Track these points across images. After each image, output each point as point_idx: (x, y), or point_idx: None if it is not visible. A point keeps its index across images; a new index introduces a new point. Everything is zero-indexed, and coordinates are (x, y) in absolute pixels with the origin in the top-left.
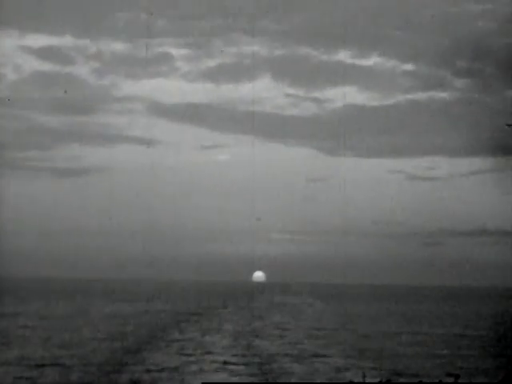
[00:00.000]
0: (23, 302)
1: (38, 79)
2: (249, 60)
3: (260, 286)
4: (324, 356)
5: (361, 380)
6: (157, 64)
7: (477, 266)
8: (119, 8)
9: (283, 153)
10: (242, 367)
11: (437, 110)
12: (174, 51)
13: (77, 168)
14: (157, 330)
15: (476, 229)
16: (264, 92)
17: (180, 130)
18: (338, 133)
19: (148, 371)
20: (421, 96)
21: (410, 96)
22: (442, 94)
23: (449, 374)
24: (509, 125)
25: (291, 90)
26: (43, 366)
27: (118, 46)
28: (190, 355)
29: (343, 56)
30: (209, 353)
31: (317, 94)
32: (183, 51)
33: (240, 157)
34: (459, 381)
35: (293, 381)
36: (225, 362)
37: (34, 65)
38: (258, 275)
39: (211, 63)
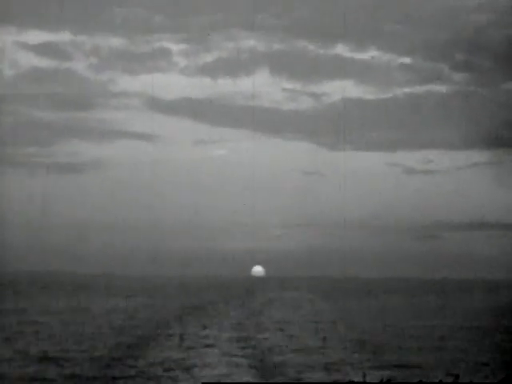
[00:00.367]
0: (24, 298)
1: (36, 75)
2: (247, 55)
3: (259, 281)
4: (323, 348)
5: (361, 380)
6: (155, 59)
7: (475, 259)
8: (117, 3)
9: (281, 147)
10: (242, 359)
11: (434, 104)
12: (172, 46)
13: (75, 163)
14: (158, 324)
15: (474, 222)
16: (262, 86)
17: (178, 124)
18: (336, 127)
19: (150, 365)
20: (418, 89)
21: (407, 89)
22: (440, 88)
23: (449, 374)
24: None
25: (289, 85)
26: (47, 360)
27: (116, 42)
28: (191, 348)
29: (341, 50)
30: (209, 346)
31: (314, 88)
32: (181, 46)
33: (238, 151)
34: (459, 380)
35: (293, 378)
36: (225, 355)
37: (32, 61)
38: (258, 270)
39: (209, 58)
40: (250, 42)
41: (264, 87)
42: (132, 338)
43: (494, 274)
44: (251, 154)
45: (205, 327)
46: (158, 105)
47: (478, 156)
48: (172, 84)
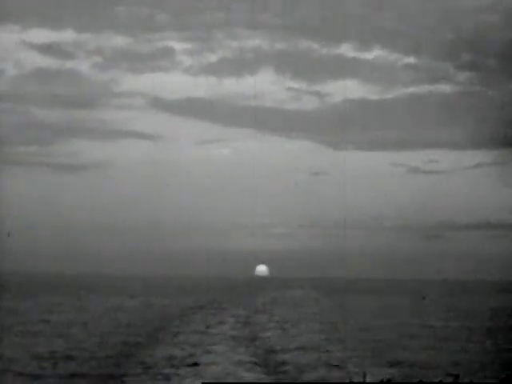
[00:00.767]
0: (25, 298)
1: (39, 74)
2: (250, 54)
3: (263, 280)
4: (325, 348)
5: (361, 380)
6: (158, 58)
7: (480, 259)
8: (120, 2)
9: (285, 146)
10: (245, 357)
11: (439, 104)
12: (175, 45)
13: (77, 163)
14: (161, 323)
15: (479, 222)
16: (265, 86)
17: (182, 124)
18: (340, 126)
19: (153, 363)
20: (423, 89)
21: (412, 89)
22: (444, 88)
23: (449, 374)
24: None
25: (293, 84)
26: (53, 358)
27: (120, 41)
28: (195, 346)
29: (345, 49)
30: (213, 344)
31: (318, 88)
32: (185, 45)
33: (242, 151)
34: (459, 380)
35: (295, 379)
36: (229, 353)
37: (35, 60)
38: (261, 269)
39: (213, 57)
40: (254, 42)
41: (268, 87)
42: (137, 336)
43: (497, 275)
44: (254, 154)
45: (209, 326)
46: (161, 104)
47: (483, 156)
48: (175, 83)
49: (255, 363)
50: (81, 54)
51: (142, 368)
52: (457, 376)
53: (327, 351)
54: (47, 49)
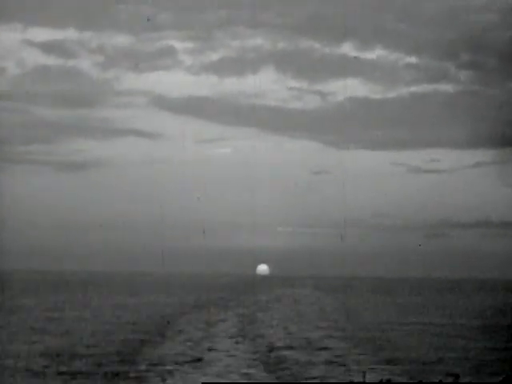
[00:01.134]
0: (29, 296)
1: (41, 73)
2: (252, 53)
3: (264, 279)
4: (326, 345)
5: (361, 380)
6: (160, 57)
7: (480, 258)
8: (122, 1)
9: (286, 146)
10: (247, 355)
11: (440, 103)
12: (177, 44)
13: (79, 161)
14: (163, 321)
15: (479, 221)
16: (267, 85)
17: (183, 123)
18: (342, 125)
19: (157, 360)
20: (424, 88)
21: (413, 88)
22: (446, 87)
23: (449, 374)
24: None
25: (294, 83)
26: (58, 356)
27: (121, 40)
28: (197, 345)
29: (346, 49)
30: (215, 342)
31: (320, 87)
32: (186, 44)
33: (243, 150)
34: (459, 381)
35: (295, 379)
36: (230, 351)
37: (38, 58)
38: (263, 268)
39: (214, 56)
40: (256, 41)
41: (269, 86)
42: (141, 334)
43: (497, 273)
44: (256, 153)
45: (211, 324)
46: (162, 103)
47: (483, 155)
48: (177, 82)
49: (256, 360)
50: (83, 53)
51: (145, 365)
52: (457, 376)
53: (328, 348)
54: (49, 47)
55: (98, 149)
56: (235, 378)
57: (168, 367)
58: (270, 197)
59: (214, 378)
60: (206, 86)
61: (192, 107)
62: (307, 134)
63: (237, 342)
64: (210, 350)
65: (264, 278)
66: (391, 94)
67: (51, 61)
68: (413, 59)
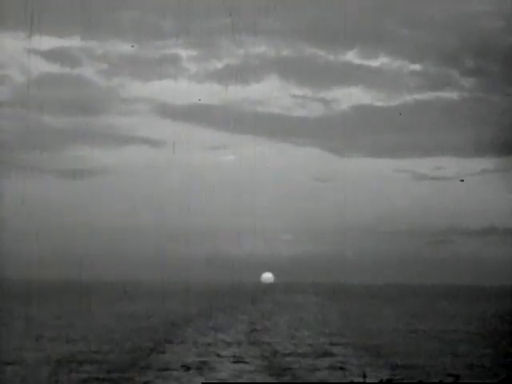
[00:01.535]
0: (33, 304)
1: (46, 81)
2: (256, 61)
3: (269, 287)
4: (330, 352)
5: (361, 380)
6: (164, 65)
7: (484, 265)
8: (126, 8)
9: (290, 153)
10: (252, 359)
11: (444, 110)
12: (181, 52)
13: (83, 169)
14: (169, 329)
15: (484, 228)
16: (271, 93)
17: (187, 130)
18: (345, 133)
19: (165, 368)
20: (428, 96)
21: (417, 96)
22: (450, 94)
23: (449, 375)
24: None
25: (298, 91)
26: (68, 363)
27: (126, 47)
28: (204, 351)
29: (350, 56)
30: (222, 348)
31: (324, 95)
32: (190, 52)
33: (247, 157)
34: (459, 381)
35: (298, 381)
36: (236, 357)
37: (42, 66)
38: (267, 276)
39: (218, 64)
40: (260, 49)
41: (273, 93)
42: (144, 341)
43: (501, 280)
44: (260, 160)
45: (217, 330)
46: (167, 111)
47: (487, 163)
48: (181, 90)
49: (261, 366)
50: (87, 61)
51: (152, 371)
52: (457, 376)
53: (331, 354)
54: (53, 55)
55: (103, 156)
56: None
57: (174, 373)
58: (274, 203)
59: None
60: (210, 93)
61: (196, 115)
62: (310, 141)
63: (242, 348)
64: (216, 356)
65: (268, 285)
66: (395, 102)
67: (55, 68)
68: (416, 66)
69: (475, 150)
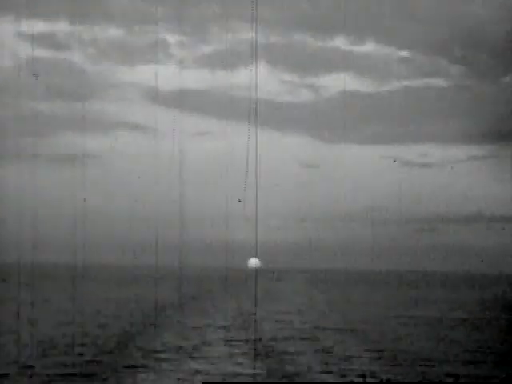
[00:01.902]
0: (26, 289)
1: (33, 65)
2: (245, 46)
3: (255, 273)
4: (317, 336)
5: (361, 380)
6: (152, 50)
7: (471, 252)
8: None
9: (279, 139)
10: (240, 343)
11: (433, 97)
12: (169, 38)
13: (71, 154)
14: (157, 314)
15: (471, 215)
16: (260, 79)
17: (176, 116)
18: (334, 119)
19: (151, 352)
20: (417, 83)
21: (406, 83)
22: (438, 81)
23: (449, 374)
24: None
25: (287, 77)
26: (55, 347)
27: (114, 32)
28: (192, 336)
29: (339, 42)
30: (209, 333)
31: (313, 81)
32: (178, 37)
33: (236, 143)
34: (459, 381)
35: (296, 379)
36: (225, 340)
37: (29, 51)
38: (253, 262)
39: (207, 50)
40: (249, 34)
41: (262, 79)
42: (132, 326)
43: (488, 268)
44: (249, 147)
45: (205, 315)
46: (155, 96)
47: (475, 150)
48: (169, 75)
49: (249, 350)
50: (74, 46)
51: (141, 354)
52: (457, 376)
53: (317, 339)
54: (41, 40)
55: (90, 142)
56: (226, 365)
57: (162, 355)
58: (263, 190)
59: (208, 365)
60: (198, 79)
61: (184, 100)
62: (300, 128)
63: (230, 332)
64: (202, 341)
65: (255, 270)
66: (384, 88)
67: (43, 53)
68: (406, 54)
69: (463, 137)
